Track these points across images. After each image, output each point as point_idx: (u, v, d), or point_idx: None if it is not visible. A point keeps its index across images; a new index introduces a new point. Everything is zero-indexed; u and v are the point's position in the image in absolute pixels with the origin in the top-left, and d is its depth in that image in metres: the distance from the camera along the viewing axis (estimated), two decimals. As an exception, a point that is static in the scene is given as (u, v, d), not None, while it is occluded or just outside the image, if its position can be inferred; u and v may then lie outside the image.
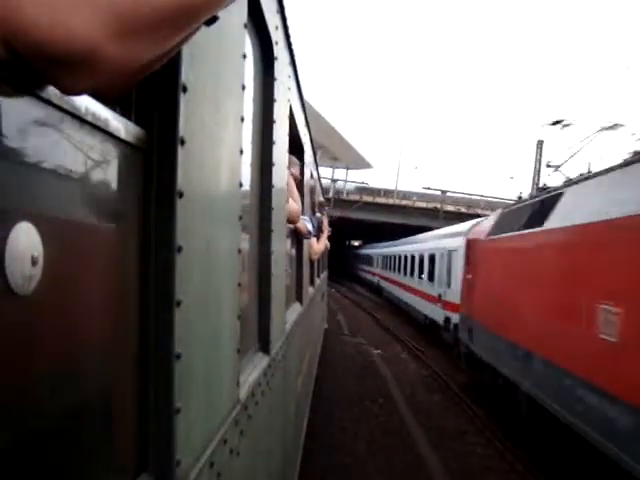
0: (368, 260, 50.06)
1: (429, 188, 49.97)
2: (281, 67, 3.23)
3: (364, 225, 55.21)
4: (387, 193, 59.87)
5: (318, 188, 8.07)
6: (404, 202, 54.55)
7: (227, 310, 1.85)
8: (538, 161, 32.56)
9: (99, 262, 1.13)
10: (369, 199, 53.12)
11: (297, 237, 5.28)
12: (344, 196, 52.46)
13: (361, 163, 60.48)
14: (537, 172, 32.31)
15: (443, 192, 49.30)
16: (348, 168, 56.19)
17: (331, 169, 50.04)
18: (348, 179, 56.54)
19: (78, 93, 0.84)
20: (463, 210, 50.73)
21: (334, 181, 51.55)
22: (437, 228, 28.54)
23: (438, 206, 50.19)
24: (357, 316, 29.46)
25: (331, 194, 47.95)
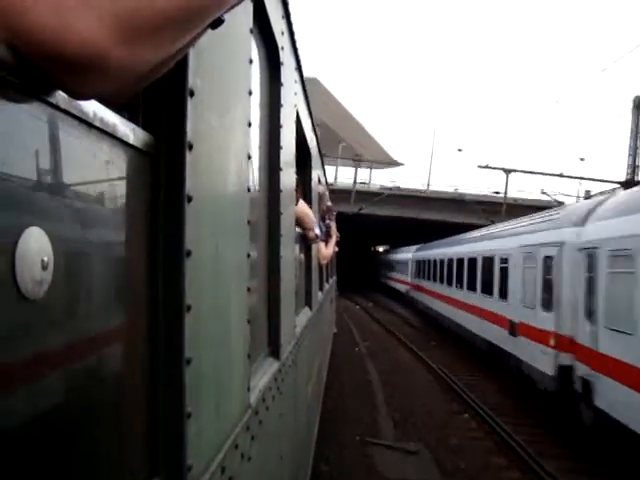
0: (403, 268, 41.50)
1: (487, 166, 34.23)
2: (287, 72, 3.24)
3: (392, 226, 47.50)
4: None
5: (326, 193, 8.08)
6: (446, 194, 43.98)
7: (237, 315, 1.85)
8: (635, 131, 24.78)
9: (108, 266, 1.13)
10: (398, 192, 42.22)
11: (306, 242, 5.28)
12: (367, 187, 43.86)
13: (387, 161, 53.84)
14: (634, 147, 24.32)
15: (507, 171, 35.08)
16: (372, 167, 49.05)
17: (352, 169, 42.79)
18: (373, 181, 47.75)
19: (86, 98, 0.84)
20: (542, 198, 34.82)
21: (358, 183, 43.10)
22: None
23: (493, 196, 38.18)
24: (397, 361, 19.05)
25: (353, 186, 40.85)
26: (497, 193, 38.24)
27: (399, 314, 35.13)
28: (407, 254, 40.38)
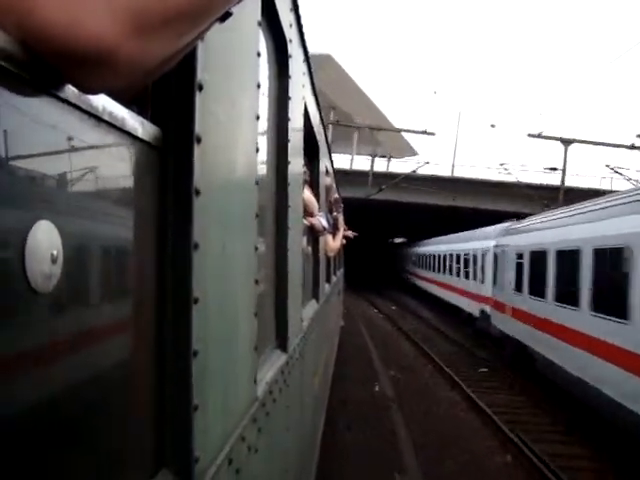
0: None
1: (540, 135, 27.50)
2: (295, 65, 3.23)
3: (415, 216, 42.09)
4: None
5: (334, 186, 8.07)
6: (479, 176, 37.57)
7: (244, 307, 1.85)
8: None
9: (117, 260, 1.13)
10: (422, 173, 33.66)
11: (313, 234, 5.29)
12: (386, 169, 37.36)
13: (405, 150, 47.80)
14: None
15: (566, 142, 27.47)
16: (390, 157, 41.68)
17: (368, 157, 37.08)
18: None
19: (96, 92, 0.85)
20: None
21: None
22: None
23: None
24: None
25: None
26: (553, 169, 29.30)
27: (428, 321, 27.52)
28: (475, 243, 23.44)
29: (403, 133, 42.87)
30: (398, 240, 66.53)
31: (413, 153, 51.07)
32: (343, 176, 29.96)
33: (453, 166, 42.38)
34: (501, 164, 30.33)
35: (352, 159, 40.78)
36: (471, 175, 39.43)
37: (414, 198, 35.13)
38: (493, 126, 53.44)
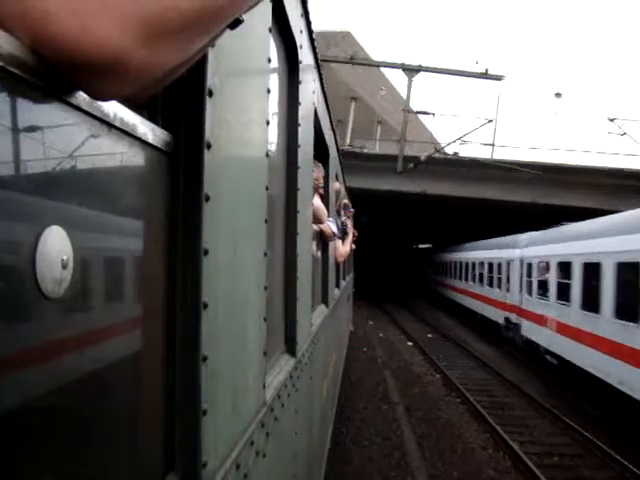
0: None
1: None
2: (305, 70, 3.24)
3: (443, 216, 36.24)
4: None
5: (343, 190, 8.07)
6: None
7: (253, 312, 1.86)
8: None
9: (127, 265, 1.14)
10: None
11: (322, 239, 5.29)
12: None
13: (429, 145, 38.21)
14: None
15: None
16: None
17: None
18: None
19: (107, 99, 0.85)
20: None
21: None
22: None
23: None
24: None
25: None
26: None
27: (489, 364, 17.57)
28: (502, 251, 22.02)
29: (430, 126, 38.63)
30: (424, 246, 59.53)
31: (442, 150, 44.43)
32: (364, 161, 26.16)
33: (493, 146, 33.62)
34: (612, 119, 22.86)
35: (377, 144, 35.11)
36: (525, 157, 30.94)
37: (448, 189, 27.64)
38: (559, 95, 39.54)
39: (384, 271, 55.61)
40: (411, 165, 23.43)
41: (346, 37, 34.90)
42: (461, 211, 33.41)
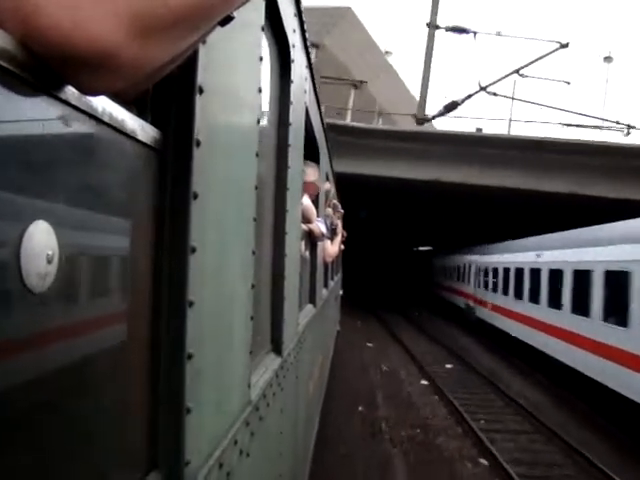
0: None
1: None
2: (298, 70, 3.24)
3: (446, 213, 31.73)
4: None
5: (333, 190, 8.08)
6: None
7: (240, 311, 1.85)
8: None
9: (113, 261, 1.14)
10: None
11: (311, 239, 5.29)
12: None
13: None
14: None
15: None
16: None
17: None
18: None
19: (96, 94, 0.85)
20: None
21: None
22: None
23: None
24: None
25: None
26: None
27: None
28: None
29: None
30: (426, 248, 53.58)
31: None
32: (365, 139, 21.45)
33: (510, 121, 29.95)
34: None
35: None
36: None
37: (464, 175, 22.28)
38: (609, 59, 31.92)
39: (382, 275, 51.60)
40: (441, 110, 16.50)
41: (346, 13, 32.31)
42: (478, 205, 28.54)
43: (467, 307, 27.95)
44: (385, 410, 12.83)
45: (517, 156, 21.75)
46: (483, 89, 16.24)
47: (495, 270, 23.18)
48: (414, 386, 15.56)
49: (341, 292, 16.99)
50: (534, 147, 21.30)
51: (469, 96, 16.13)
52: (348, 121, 24.51)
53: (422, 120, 17.30)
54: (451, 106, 16.26)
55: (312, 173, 5.06)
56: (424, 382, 16.05)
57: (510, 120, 27.48)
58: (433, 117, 17.09)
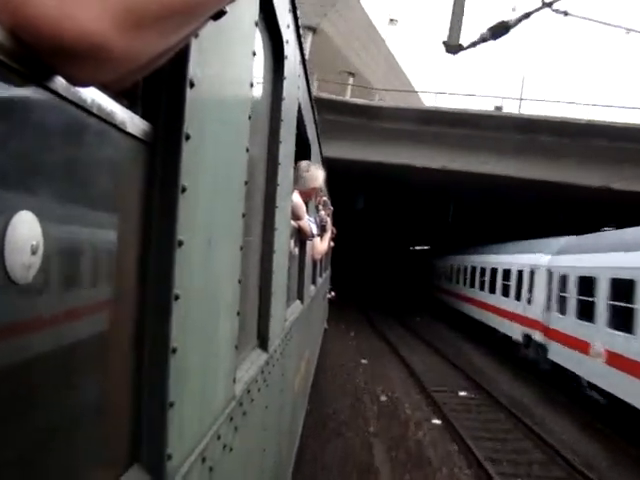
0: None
1: None
2: (291, 66, 3.23)
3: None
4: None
5: (323, 187, 8.08)
6: None
7: (226, 306, 1.85)
8: None
9: (98, 253, 1.13)
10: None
11: (300, 236, 5.29)
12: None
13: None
14: None
15: None
16: None
17: None
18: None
19: (85, 85, 0.85)
20: None
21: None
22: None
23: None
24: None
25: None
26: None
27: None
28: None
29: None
30: (424, 247, 49.97)
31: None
32: (369, 120, 19.09)
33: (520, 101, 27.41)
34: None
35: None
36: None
37: (476, 163, 19.68)
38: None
39: (378, 275, 48.99)
40: (484, 35, 11.38)
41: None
42: (488, 198, 25.11)
43: (528, 340, 18.29)
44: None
45: (551, 142, 18.07)
46: (547, 5, 11.44)
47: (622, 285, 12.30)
48: (423, 428, 11.83)
49: (331, 295, 15.53)
50: (579, 131, 16.93)
51: (527, 15, 11.51)
52: (348, 97, 21.80)
53: (454, 48, 11.90)
54: (499, 29, 11.43)
55: (320, 176, 5.01)
56: (436, 421, 12.45)
57: (520, 100, 23.28)
58: (473, 44, 11.90)
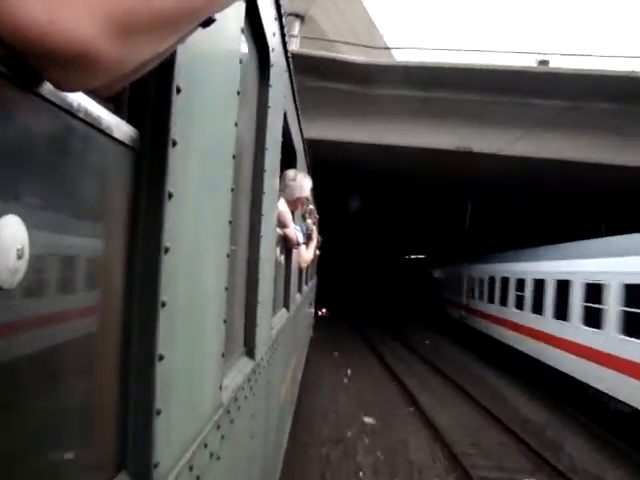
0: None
1: None
2: (277, 74, 3.24)
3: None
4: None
5: (310, 196, 8.09)
6: None
7: (213, 313, 1.85)
8: None
9: (84, 259, 1.13)
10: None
11: (286, 244, 5.29)
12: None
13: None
14: None
15: None
16: None
17: None
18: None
19: (73, 90, 0.84)
20: None
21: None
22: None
23: None
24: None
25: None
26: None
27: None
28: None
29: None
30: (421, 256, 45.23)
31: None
32: (374, 88, 14.91)
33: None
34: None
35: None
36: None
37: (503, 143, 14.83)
38: None
39: (372, 285, 45.94)
40: None
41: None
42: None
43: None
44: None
45: (616, 111, 12.97)
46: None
47: None
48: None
49: (322, 311, 13.78)
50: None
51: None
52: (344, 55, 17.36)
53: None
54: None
55: (307, 186, 5.00)
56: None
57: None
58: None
